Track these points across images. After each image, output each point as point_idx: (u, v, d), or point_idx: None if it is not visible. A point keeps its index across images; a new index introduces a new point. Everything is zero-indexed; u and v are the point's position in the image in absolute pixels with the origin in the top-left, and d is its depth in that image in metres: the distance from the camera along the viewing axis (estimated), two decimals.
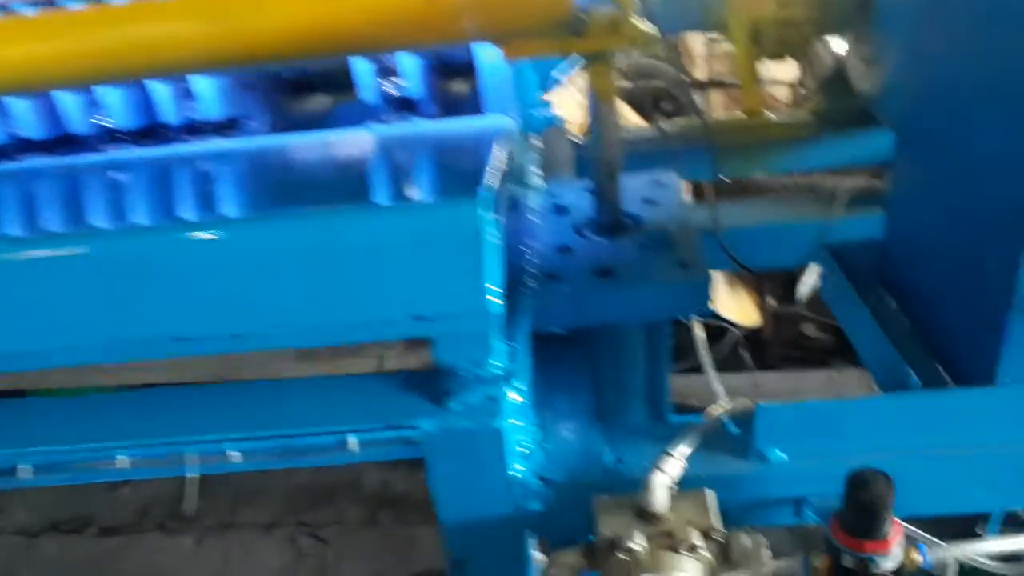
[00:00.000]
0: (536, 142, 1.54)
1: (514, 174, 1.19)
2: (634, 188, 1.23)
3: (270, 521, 3.07)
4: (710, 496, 0.83)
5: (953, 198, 0.91)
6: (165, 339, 0.81)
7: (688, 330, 2.66)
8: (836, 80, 1.54)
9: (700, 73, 4.03)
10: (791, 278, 3.52)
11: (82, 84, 1.04)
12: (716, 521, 0.81)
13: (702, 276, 1.01)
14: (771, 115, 1.69)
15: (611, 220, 1.13)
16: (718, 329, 3.41)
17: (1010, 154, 0.78)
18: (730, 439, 0.90)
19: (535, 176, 1.40)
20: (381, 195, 0.84)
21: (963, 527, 0.92)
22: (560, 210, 1.20)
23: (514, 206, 1.17)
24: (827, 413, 0.84)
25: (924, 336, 0.97)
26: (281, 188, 0.90)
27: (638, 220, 1.16)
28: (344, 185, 0.87)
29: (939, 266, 0.94)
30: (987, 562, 1.05)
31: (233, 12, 0.92)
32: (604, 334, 1.12)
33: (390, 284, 0.78)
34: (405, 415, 0.84)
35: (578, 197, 1.24)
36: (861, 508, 0.76)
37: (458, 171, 0.85)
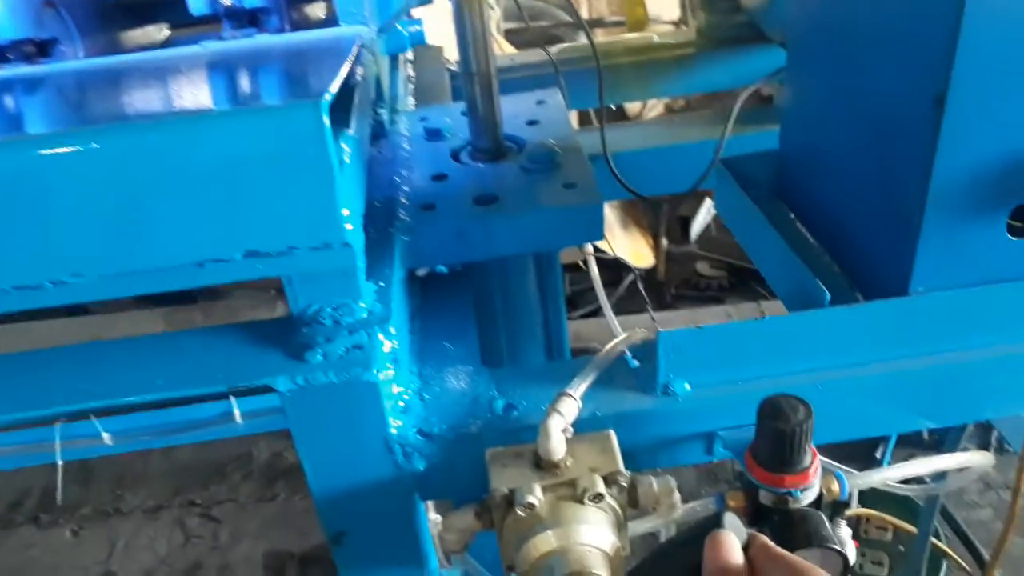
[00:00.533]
0: (409, 71, 1.41)
1: (381, 98, 1.05)
2: (515, 109, 1.12)
3: (155, 504, 2.87)
4: (612, 438, 0.74)
5: (853, 103, 0.83)
6: None
7: (584, 277, 2.60)
8: None
9: (583, 13, 3.98)
10: (684, 219, 3.54)
11: None
12: (620, 465, 0.72)
13: (594, 199, 0.90)
14: (655, 36, 1.61)
15: (491, 144, 1.01)
16: (615, 273, 3.38)
17: (913, 43, 0.70)
18: (632, 374, 0.80)
19: (407, 103, 1.26)
20: (200, 105, 0.69)
21: (863, 451, 0.86)
22: (434, 135, 1.08)
23: (381, 133, 1.04)
24: (736, 336, 0.75)
25: (829, 251, 0.90)
26: (79, 109, 0.74)
27: (520, 143, 1.04)
28: (155, 100, 0.72)
29: (842, 176, 0.86)
30: (895, 484, 1.01)
31: None
32: (490, 270, 1.02)
33: (213, 214, 0.63)
34: (254, 373, 0.71)
35: (454, 121, 1.11)
36: (777, 439, 0.68)
37: (300, 80, 0.71)
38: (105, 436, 2.21)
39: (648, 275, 3.40)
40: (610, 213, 3.23)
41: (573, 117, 2.12)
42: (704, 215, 3.42)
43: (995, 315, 0.77)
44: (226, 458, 2.94)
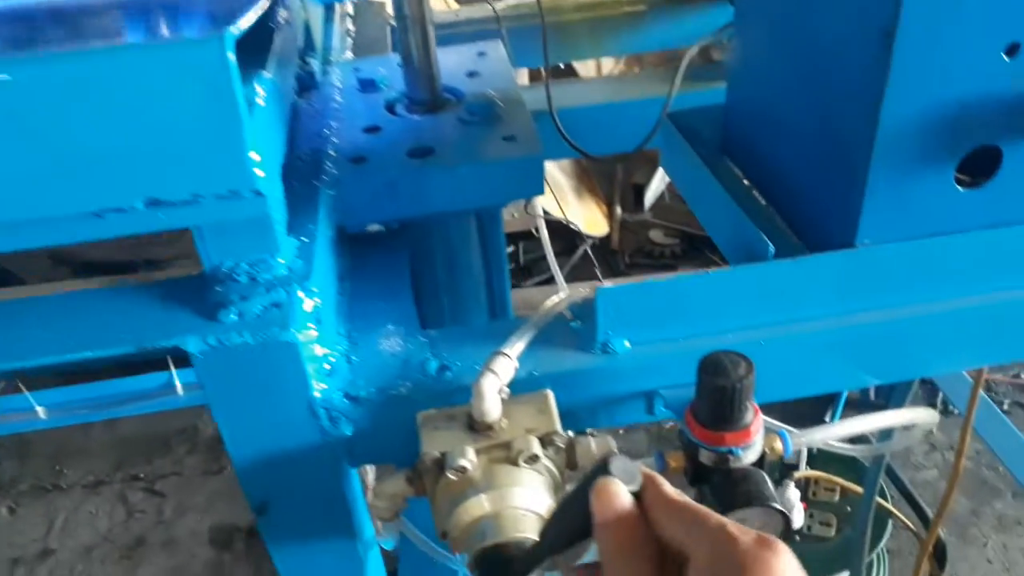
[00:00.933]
0: (348, 25, 1.34)
1: (311, 48, 0.99)
2: (454, 61, 1.06)
3: (96, 480, 2.79)
4: (550, 397, 0.70)
5: (798, 49, 0.80)
6: None
7: (538, 245, 2.56)
8: None
9: None
10: (639, 187, 3.51)
11: None
12: (557, 425, 0.68)
13: (534, 151, 0.86)
14: None
15: (427, 95, 0.96)
16: (569, 242, 3.36)
17: None
18: (572, 334, 0.77)
19: (344, 57, 1.20)
20: (94, 40, 0.63)
21: (813, 416, 0.84)
22: (368, 86, 1.02)
23: (312, 84, 0.98)
24: (677, 292, 0.72)
25: (776, 206, 0.87)
26: None
27: (459, 95, 0.99)
28: (44, 34, 0.65)
29: (788, 128, 0.83)
30: (840, 444, 1.00)
31: None
32: (429, 230, 0.97)
33: (111, 158, 0.58)
34: (164, 333, 0.66)
35: (390, 72, 1.06)
36: (717, 396, 0.65)
37: (209, 15, 0.66)
38: (39, 410, 2.11)
39: (602, 243, 3.38)
40: (564, 181, 3.19)
41: (524, 76, 2.07)
42: (658, 183, 3.40)
43: (943, 268, 0.75)
44: (170, 431, 2.87)
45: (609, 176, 3.48)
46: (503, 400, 0.69)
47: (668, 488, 0.53)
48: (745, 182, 0.92)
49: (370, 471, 1.15)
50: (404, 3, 0.89)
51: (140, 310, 0.69)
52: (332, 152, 0.88)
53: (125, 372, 1.92)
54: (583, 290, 0.79)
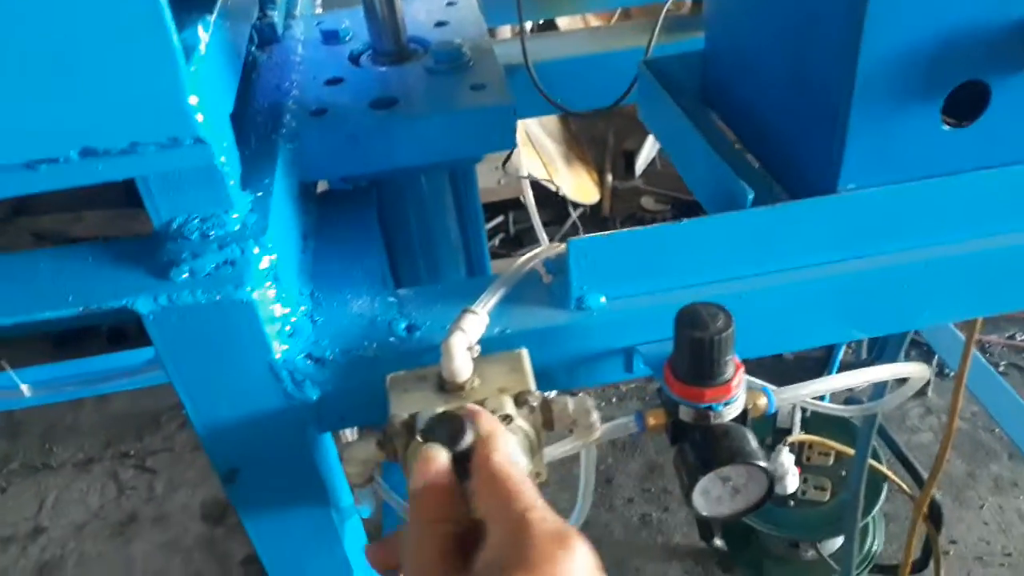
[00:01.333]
0: None
1: (271, 0, 0.95)
2: (422, 10, 1.02)
3: (86, 458, 2.77)
4: (524, 356, 0.67)
5: None
6: None
7: (528, 215, 2.52)
8: None
9: None
10: (629, 153, 3.47)
11: None
12: (531, 384, 0.66)
13: (504, 100, 0.82)
14: None
15: (392, 45, 0.92)
16: (561, 210, 3.32)
17: None
18: (545, 290, 0.74)
19: (314, 11, 1.16)
20: None
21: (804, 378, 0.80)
22: (331, 38, 0.98)
23: (273, 37, 0.94)
24: (653, 241, 0.69)
25: (756, 154, 0.83)
26: None
27: (427, 45, 0.95)
28: None
29: (767, 71, 0.80)
30: (831, 405, 0.97)
31: None
32: (401, 188, 0.93)
33: (38, 101, 0.54)
34: (112, 294, 0.63)
35: (354, 24, 1.01)
36: (695, 350, 0.63)
37: None
38: (24, 388, 2.07)
39: (592, 211, 3.34)
40: (553, 147, 3.14)
41: (505, 33, 2.01)
42: (649, 149, 3.36)
43: (930, 213, 0.72)
44: (161, 408, 2.85)
45: (599, 142, 3.43)
46: (474, 360, 0.66)
47: (497, 455, 0.51)
48: (728, 133, 0.89)
49: (350, 435, 1.12)
50: None
51: (89, 271, 0.65)
52: (292, 105, 0.85)
53: (113, 348, 1.89)
54: (559, 247, 0.76)
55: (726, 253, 0.70)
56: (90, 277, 0.65)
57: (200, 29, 0.61)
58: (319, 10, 1.24)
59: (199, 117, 0.57)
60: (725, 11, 0.87)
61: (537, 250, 0.76)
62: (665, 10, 1.09)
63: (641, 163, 3.36)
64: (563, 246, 0.74)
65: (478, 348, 0.67)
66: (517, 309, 0.72)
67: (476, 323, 0.67)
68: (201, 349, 0.65)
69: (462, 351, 0.65)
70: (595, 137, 3.38)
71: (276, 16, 0.95)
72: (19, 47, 0.52)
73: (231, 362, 0.66)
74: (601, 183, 3.34)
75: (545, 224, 2.57)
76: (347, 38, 0.98)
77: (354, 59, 0.94)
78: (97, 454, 2.73)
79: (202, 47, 0.60)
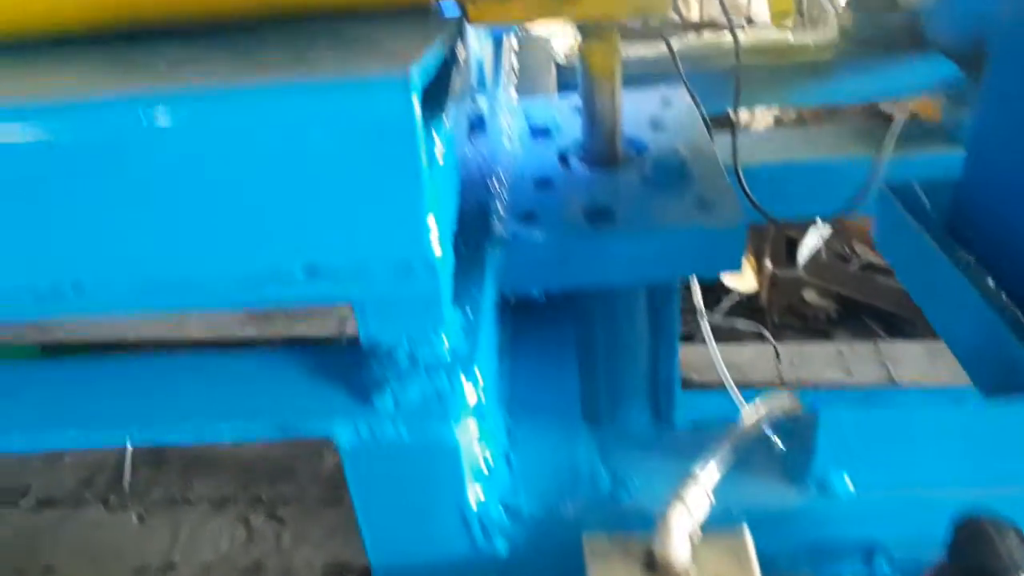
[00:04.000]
0: (512, 60, 1.26)
1: (482, 86, 0.91)
2: (636, 108, 0.95)
3: (222, 496, 2.81)
4: (748, 543, 0.57)
5: None
6: None
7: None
8: None
9: (692, 14, 3.75)
10: (792, 241, 3.28)
11: None
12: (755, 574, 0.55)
13: (733, 221, 0.73)
14: (790, 36, 1.42)
15: (607, 147, 0.85)
16: (712, 294, 3.17)
17: None
18: (776, 460, 0.63)
19: (508, 93, 1.12)
20: (248, 78, 0.54)
21: None
22: (540, 133, 0.92)
23: (478, 125, 0.90)
24: (918, 426, 0.58)
25: (1019, 303, 0.70)
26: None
27: (641, 148, 0.88)
28: (192, 65, 0.57)
29: None
30: None
31: None
32: (596, 301, 0.86)
33: (265, 215, 0.50)
34: (310, 415, 0.57)
35: (563, 117, 0.96)
36: (976, 573, 0.50)
37: (382, 48, 0.57)
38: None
39: (749, 299, 3.17)
40: None
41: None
42: (814, 238, 3.17)
43: None
44: (296, 456, 2.87)
45: (759, 226, 3.28)
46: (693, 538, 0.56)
47: None
48: (984, 274, 0.76)
49: None
50: (591, 54, 0.78)
51: (285, 380, 0.60)
52: (500, 206, 0.79)
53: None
54: (785, 401, 0.65)
55: (1012, 448, 0.57)
56: (287, 388, 0.60)
57: (436, 137, 0.55)
58: (513, 92, 1.20)
59: (433, 239, 0.51)
60: (1000, 140, 0.75)
61: (766, 405, 0.66)
62: (899, 124, 0.98)
63: (805, 253, 3.18)
64: (792, 403, 0.63)
65: (699, 533, 0.57)
66: (742, 479, 0.62)
67: (700, 499, 0.57)
68: (394, 487, 0.59)
69: (682, 532, 0.55)
70: (755, 220, 3.22)
71: (484, 103, 0.91)
72: (247, 152, 0.48)
73: (422, 503, 0.59)
74: (759, 270, 3.17)
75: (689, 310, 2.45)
76: (555, 133, 0.92)
77: (563, 157, 0.88)
78: (232, 494, 2.76)
79: (439, 158, 0.54)
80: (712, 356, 1.59)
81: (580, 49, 0.79)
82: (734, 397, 1.32)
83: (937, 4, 1.17)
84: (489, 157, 0.86)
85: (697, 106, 0.96)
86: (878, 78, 1.36)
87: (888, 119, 1.31)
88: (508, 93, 1.15)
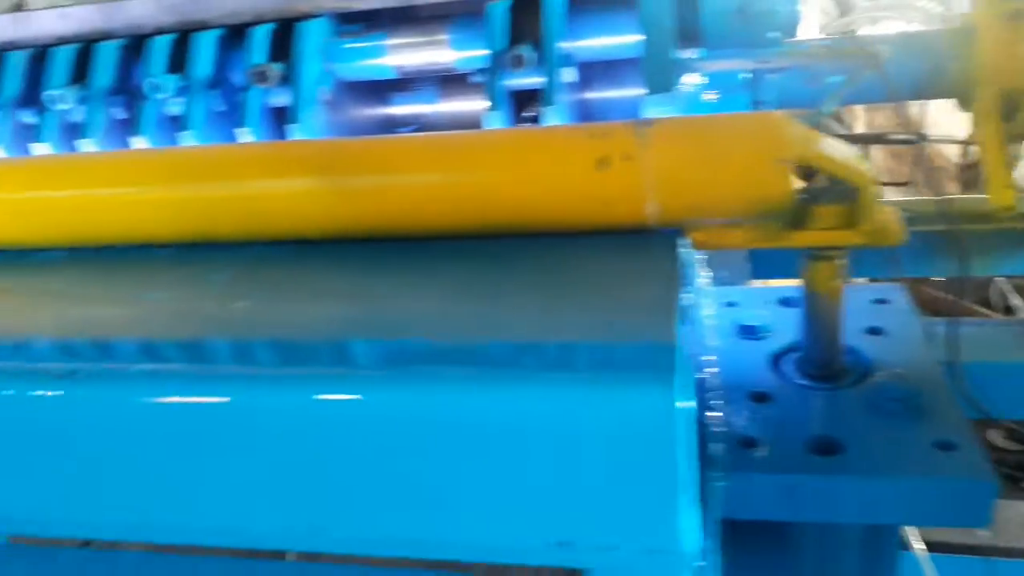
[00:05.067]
0: None
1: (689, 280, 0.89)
2: (851, 307, 0.91)
3: None
4: None
5: None
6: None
7: None
8: None
9: (860, 126, 3.65)
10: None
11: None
12: None
13: (982, 471, 0.68)
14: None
15: (826, 359, 0.81)
16: None
17: None
18: None
19: (700, 274, 1.09)
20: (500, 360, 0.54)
21: None
22: (747, 331, 0.90)
23: (683, 319, 0.88)
24: None
25: None
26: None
27: (862, 360, 0.84)
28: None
29: None
30: None
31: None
32: (808, 533, 0.81)
33: (517, 492, 0.50)
34: None
35: (770, 311, 0.93)
36: None
37: (632, 300, 0.57)
38: None
39: None
40: None
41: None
42: None
43: None
44: None
45: None
46: None
47: None
48: None
49: None
50: (815, 272, 0.76)
51: None
52: (714, 422, 0.76)
53: None
54: None
55: None
56: None
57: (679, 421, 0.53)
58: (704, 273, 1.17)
59: (685, 529, 0.49)
60: None
61: None
62: None
63: None
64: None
65: None
66: None
67: None
68: None
69: None
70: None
71: (691, 297, 0.89)
72: (492, 454, 0.49)
73: None
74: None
75: None
76: (765, 333, 0.89)
77: (775, 362, 0.85)
78: None
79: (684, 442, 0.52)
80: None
81: (803, 267, 0.77)
82: None
83: None
84: (695, 359, 0.84)
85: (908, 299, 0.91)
86: None
87: None
88: (698, 272, 1.13)
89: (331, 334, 0.58)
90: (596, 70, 0.97)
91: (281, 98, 0.95)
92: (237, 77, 1.00)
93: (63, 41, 1.03)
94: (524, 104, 0.93)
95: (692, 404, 0.46)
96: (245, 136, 0.94)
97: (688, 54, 0.89)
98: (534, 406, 0.47)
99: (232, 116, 0.98)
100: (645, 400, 0.46)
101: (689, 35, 0.88)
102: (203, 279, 0.73)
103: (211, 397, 0.50)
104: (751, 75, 1.06)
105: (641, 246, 0.72)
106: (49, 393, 0.52)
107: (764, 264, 1.27)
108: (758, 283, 1.27)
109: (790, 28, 0.90)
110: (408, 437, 0.49)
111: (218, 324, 0.61)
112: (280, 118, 0.96)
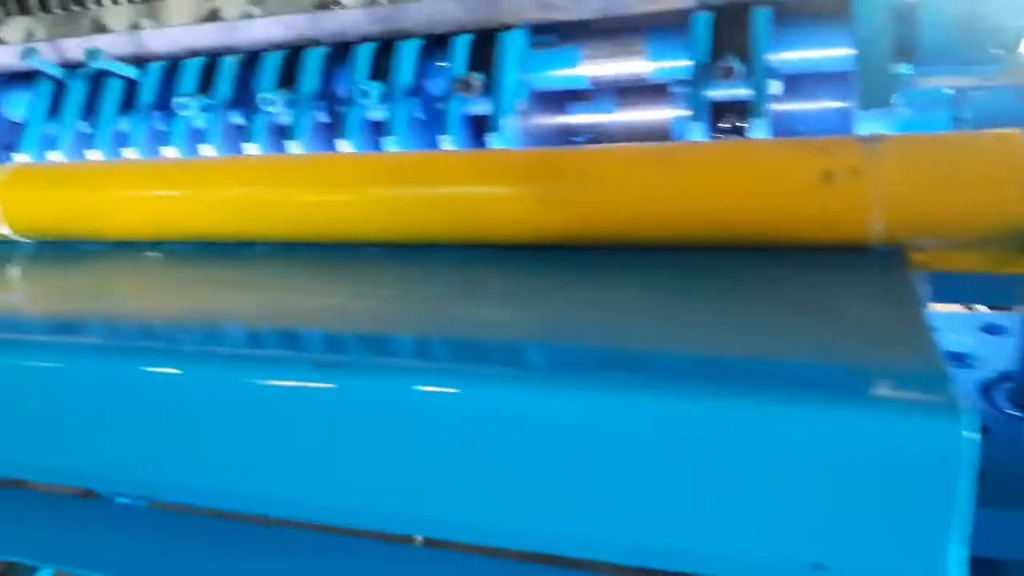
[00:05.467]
0: None
1: None
2: None
3: None
4: None
5: None
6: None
7: None
8: None
9: None
10: None
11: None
12: None
13: None
14: None
15: None
16: None
17: None
18: None
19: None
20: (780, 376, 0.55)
21: None
22: (955, 358, 0.87)
23: None
24: None
25: None
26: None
27: None
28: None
29: None
30: None
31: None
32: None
33: (777, 510, 0.50)
34: None
35: (974, 338, 0.89)
36: None
37: (885, 330, 0.56)
38: None
39: None
40: None
41: None
42: None
43: None
44: None
45: None
46: None
47: None
48: None
49: None
50: None
51: None
52: None
53: None
54: None
55: None
56: None
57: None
58: None
59: (952, 569, 0.48)
60: None
61: None
62: None
63: None
64: None
65: None
66: None
67: None
68: None
69: None
70: None
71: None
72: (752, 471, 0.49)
73: None
74: None
75: None
76: (972, 362, 0.86)
77: (986, 392, 0.82)
78: None
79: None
80: None
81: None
82: None
83: None
84: None
85: None
86: None
87: None
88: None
89: (574, 339, 0.59)
90: (795, 82, 0.96)
91: (480, 107, 0.98)
92: (433, 85, 1.04)
93: (274, 47, 1.10)
94: (720, 116, 0.93)
95: (977, 437, 0.45)
96: (446, 144, 0.97)
97: (902, 69, 0.86)
98: (808, 425, 0.47)
99: (429, 123, 1.02)
100: (931, 429, 0.45)
101: (904, 50, 0.86)
102: (422, 279, 0.76)
103: (474, 392, 0.52)
104: (953, 91, 1.02)
105: (862, 265, 0.70)
106: (317, 385, 0.55)
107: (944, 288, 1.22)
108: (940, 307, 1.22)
109: (1013, 44, 0.86)
110: (680, 448, 0.49)
111: (466, 324, 0.64)
112: (478, 127, 0.99)
